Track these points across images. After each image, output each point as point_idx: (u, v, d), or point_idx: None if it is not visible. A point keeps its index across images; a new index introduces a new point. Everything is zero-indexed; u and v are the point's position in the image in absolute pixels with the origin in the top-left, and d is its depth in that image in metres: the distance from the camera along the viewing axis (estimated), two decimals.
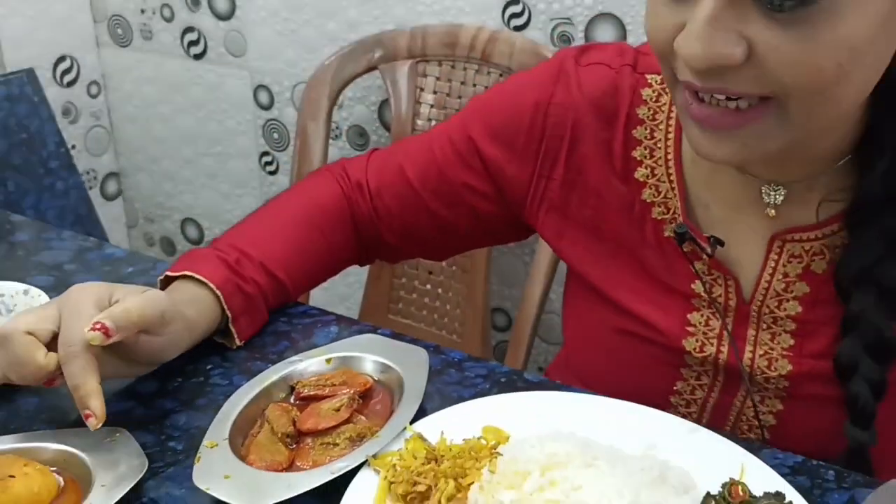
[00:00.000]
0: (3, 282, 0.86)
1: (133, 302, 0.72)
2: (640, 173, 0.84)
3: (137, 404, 0.80)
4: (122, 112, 2.19)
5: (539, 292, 1.56)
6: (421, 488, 0.66)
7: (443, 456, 0.69)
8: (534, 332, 1.57)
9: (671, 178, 0.83)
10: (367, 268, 1.88)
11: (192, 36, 1.99)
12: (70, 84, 2.07)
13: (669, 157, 0.83)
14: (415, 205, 0.95)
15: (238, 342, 0.86)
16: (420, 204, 0.95)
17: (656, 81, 0.83)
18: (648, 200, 0.84)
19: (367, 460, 0.70)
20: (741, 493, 0.68)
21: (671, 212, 0.83)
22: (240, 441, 0.73)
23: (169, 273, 0.85)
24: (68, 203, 1.90)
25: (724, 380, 0.85)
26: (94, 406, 0.68)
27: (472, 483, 0.67)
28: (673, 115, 0.83)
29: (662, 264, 0.84)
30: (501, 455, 0.69)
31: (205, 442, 0.71)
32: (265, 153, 2.04)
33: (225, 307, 0.84)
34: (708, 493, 0.67)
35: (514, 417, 0.75)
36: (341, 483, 0.68)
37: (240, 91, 2.00)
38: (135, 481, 0.67)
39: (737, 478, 0.69)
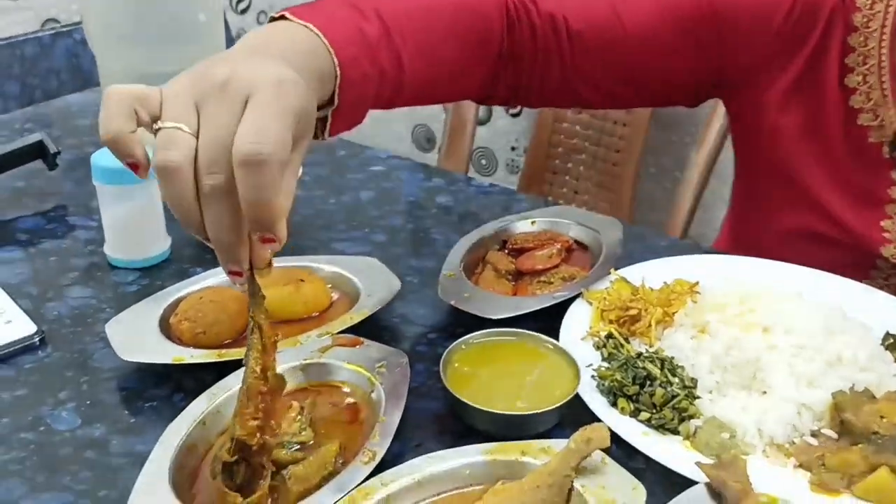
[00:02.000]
0: None
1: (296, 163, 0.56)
2: (851, 80, 0.88)
3: (374, 249, 0.95)
4: None
5: (685, 213, 1.63)
6: (632, 312, 0.78)
7: (645, 293, 0.81)
8: None
9: (884, 86, 0.87)
10: (514, 184, 2.01)
11: None
12: (243, 12, 2.26)
13: (884, 66, 0.86)
14: (622, 58, 0.91)
15: (324, 136, 0.69)
16: (629, 59, 0.91)
17: None
18: (856, 107, 0.89)
19: (581, 293, 0.82)
20: None
21: (879, 119, 0.88)
22: (468, 277, 0.87)
23: (301, 22, 0.65)
24: None
25: None
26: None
27: (677, 311, 0.78)
28: (888, 24, 0.87)
29: (861, 170, 0.90)
30: (700, 293, 0.80)
31: (444, 271, 0.86)
32: None
33: (336, 94, 0.66)
34: (888, 332, 0.77)
35: (701, 273, 0.85)
36: (557, 312, 0.80)
37: None
38: (391, 296, 0.81)
39: None
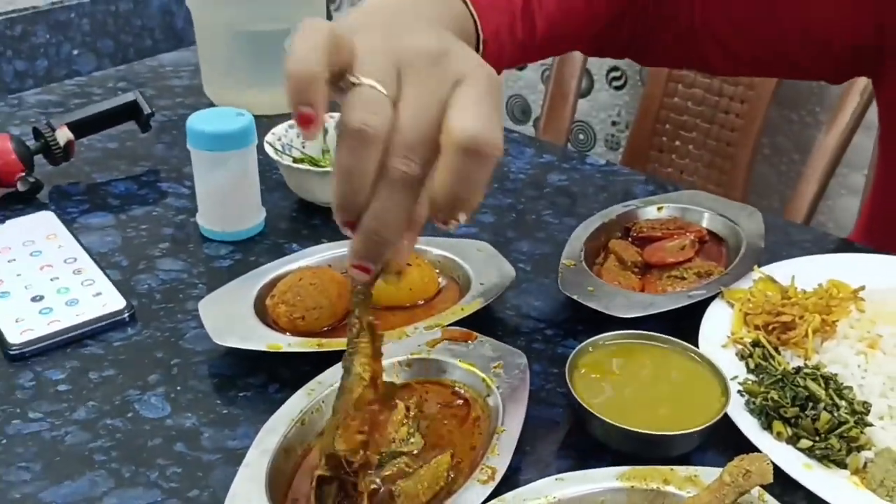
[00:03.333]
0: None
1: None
2: None
3: (480, 230, 0.87)
4: None
5: (807, 201, 1.49)
6: (785, 319, 0.68)
7: (799, 297, 0.71)
8: None
9: None
10: (614, 162, 1.89)
11: None
12: None
13: None
14: (762, 9, 0.83)
15: None
16: (769, 11, 0.83)
17: None
18: None
19: (720, 292, 0.72)
20: None
21: None
22: (588, 266, 0.78)
23: None
24: None
25: None
26: None
27: (837, 320, 0.68)
28: None
29: None
30: (864, 300, 0.69)
31: (563, 260, 0.77)
32: None
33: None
34: None
35: (861, 276, 0.74)
36: (688, 313, 0.71)
37: None
38: (506, 285, 0.73)
39: None
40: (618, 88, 1.96)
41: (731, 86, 1.62)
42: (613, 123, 2.00)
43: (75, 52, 1.61)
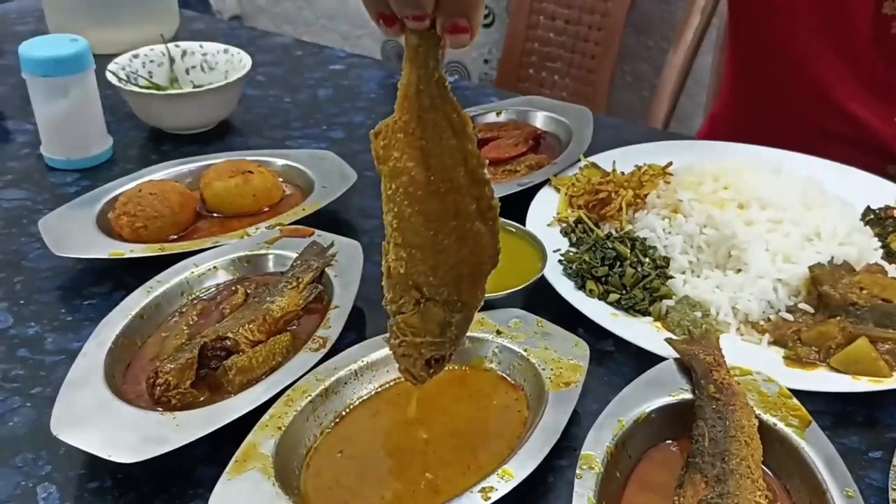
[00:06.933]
0: (206, 42, 0.96)
1: None
2: None
3: (331, 145, 0.90)
4: None
5: (662, 118, 1.58)
6: (602, 196, 0.74)
7: (615, 177, 0.77)
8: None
9: None
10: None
11: None
12: None
13: None
14: None
15: None
16: None
17: None
18: None
19: (549, 179, 0.78)
20: (894, 214, 0.73)
21: None
22: None
23: None
24: None
25: None
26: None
27: (647, 193, 0.74)
28: None
29: (881, 62, 0.86)
30: (673, 175, 0.76)
31: None
32: None
33: None
34: (868, 207, 0.73)
35: (676, 158, 0.81)
36: (525, 201, 0.76)
37: None
38: (346, 187, 0.77)
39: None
40: (486, 27, 2.00)
41: (588, 14, 1.69)
42: (486, 61, 2.05)
43: None
